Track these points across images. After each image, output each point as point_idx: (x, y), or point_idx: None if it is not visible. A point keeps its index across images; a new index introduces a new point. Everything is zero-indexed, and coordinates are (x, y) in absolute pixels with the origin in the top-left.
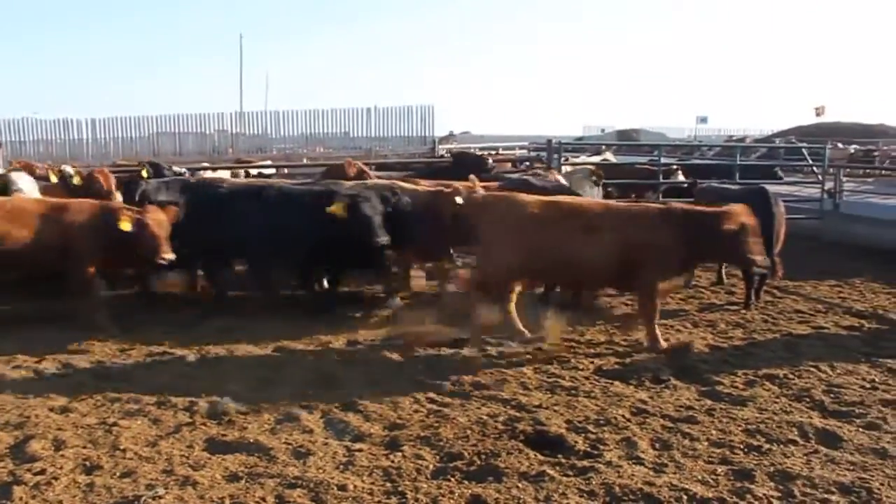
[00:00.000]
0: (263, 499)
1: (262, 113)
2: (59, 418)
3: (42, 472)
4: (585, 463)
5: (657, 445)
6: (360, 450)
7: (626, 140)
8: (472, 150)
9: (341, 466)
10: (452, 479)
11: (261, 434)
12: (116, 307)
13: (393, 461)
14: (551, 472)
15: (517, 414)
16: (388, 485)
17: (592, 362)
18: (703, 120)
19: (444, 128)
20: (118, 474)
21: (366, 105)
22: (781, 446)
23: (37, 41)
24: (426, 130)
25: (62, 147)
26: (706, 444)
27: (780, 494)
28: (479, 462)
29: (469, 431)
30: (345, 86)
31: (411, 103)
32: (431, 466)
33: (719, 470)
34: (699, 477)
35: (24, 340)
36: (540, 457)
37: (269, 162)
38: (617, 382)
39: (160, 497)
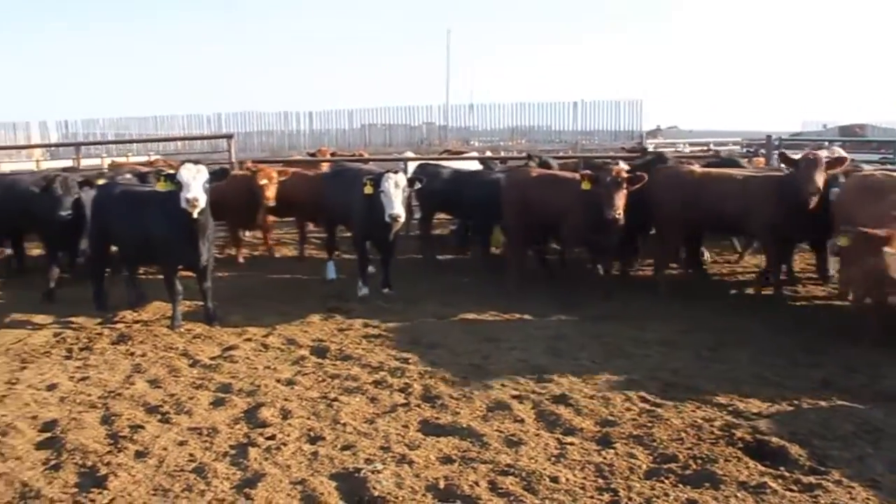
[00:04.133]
0: (476, 483)
1: (467, 106)
2: (285, 390)
3: (272, 437)
4: (812, 479)
5: (895, 469)
6: (571, 443)
7: (850, 136)
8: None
9: (553, 458)
10: (666, 482)
11: (473, 420)
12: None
13: (605, 458)
14: (773, 484)
15: (734, 420)
16: (601, 481)
17: (813, 374)
18: None
19: (652, 122)
20: (339, 447)
21: (572, 99)
22: None
23: (262, 37)
24: (634, 125)
25: (282, 138)
26: None
27: None
28: (694, 466)
29: (684, 434)
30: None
31: (619, 98)
32: (644, 466)
33: None
34: None
35: (252, 318)
36: (760, 467)
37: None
38: (843, 397)
39: (379, 472)
